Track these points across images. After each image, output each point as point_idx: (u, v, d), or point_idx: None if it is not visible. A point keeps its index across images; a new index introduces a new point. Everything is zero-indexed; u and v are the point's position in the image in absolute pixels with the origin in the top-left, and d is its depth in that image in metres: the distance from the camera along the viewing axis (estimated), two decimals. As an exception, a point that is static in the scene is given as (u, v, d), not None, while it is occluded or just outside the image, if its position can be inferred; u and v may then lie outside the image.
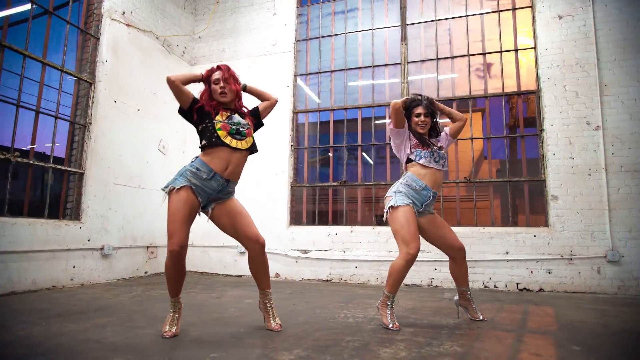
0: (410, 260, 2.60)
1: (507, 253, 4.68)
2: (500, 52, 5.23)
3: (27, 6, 4.37)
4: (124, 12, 5.25)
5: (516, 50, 5.18)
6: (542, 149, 4.83)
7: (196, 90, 2.61)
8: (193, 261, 5.79)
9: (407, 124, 2.88)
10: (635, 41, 4.56)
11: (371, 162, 5.81)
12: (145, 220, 5.45)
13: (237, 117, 2.54)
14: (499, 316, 3.11)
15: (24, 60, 4.19)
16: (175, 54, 6.20)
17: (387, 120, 5.90)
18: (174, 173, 2.54)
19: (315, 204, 5.88)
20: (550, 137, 4.75)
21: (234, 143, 2.45)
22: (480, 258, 4.74)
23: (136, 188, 5.34)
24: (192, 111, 2.50)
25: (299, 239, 5.53)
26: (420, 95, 2.90)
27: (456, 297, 2.96)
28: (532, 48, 5.06)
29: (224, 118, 2.48)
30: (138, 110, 5.43)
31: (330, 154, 6.31)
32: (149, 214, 5.51)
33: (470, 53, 5.36)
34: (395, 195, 2.74)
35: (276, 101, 2.80)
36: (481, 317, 2.87)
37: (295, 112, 6.02)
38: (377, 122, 5.79)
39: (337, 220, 5.96)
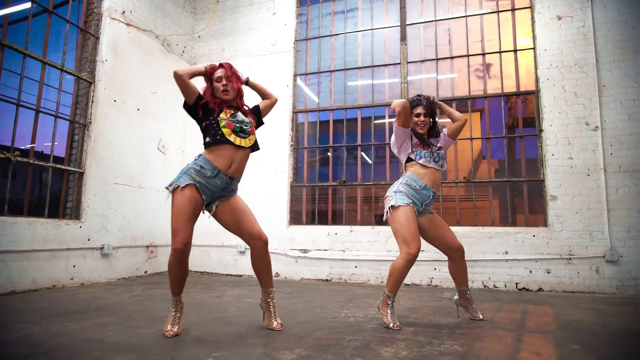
0: (410, 260, 2.62)
1: (506, 253, 4.70)
2: (500, 52, 5.24)
3: (27, 5, 4.36)
4: (123, 12, 5.25)
5: (515, 51, 5.19)
6: (541, 149, 4.85)
7: (198, 87, 2.60)
8: (193, 261, 5.78)
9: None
10: (634, 42, 4.58)
11: (370, 161, 5.82)
12: (145, 220, 5.45)
13: (240, 115, 2.55)
14: (499, 316, 3.12)
15: (24, 59, 4.18)
16: (174, 53, 6.20)
17: (387, 120, 5.93)
18: (173, 172, 2.55)
19: (315, 204, 5.88)
20: (549, 137, 4.77)
21: (237, 141, 2.46)
22: (479, 258, 4.75)
23: (136, 187, 5.34)
24: (197, 107, 2.50)
25: (298, 239, 5.54)
26: (421, 95, 2.92)
27: (456, 297, 2.97)
28: (531, 49, 5.08)
29: (228, 116, 2.49)
30: (138, 109, 5.43)
31: (330, 154, 6.31)
32: (149, 214, 5.51)
33: (470, 53, 5.37)
34: (396, 195, 2.75)
35: (276, 100, 2.82)
36: (481, 317, 2.88)
37: (295, 112, 6.02)
38: (376, 121, 5.80)
39: (336, 220, 5.97)
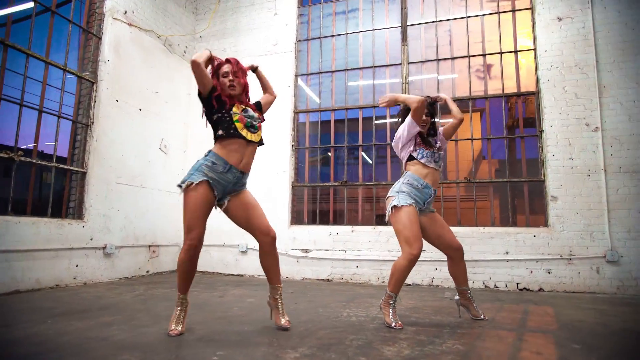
0: (412, 260, 2.64)
1: (507, 253, 4.72)
2: (500, 53, 5.26)
3: (30, 4, 4.38)
4: (125, 12, 5.27)
5: (516, 52, 5.21)
6: (542, 150, 4.87)
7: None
8: (194, 260, 5.80)
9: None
10: (634, 43, 4.60)
11: (371, 162, 5.84)
12: (147, 220, 5.47)
13: (250, 111, 2.59)
14: (500, 315, 3.14)
15: (27, 59, 4.20)
16: (176, 53, 6.22)
17: (388, 120, 5.94)
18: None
19: (316, 204, 5.90)
20: (550, 138, 4.79)
21: (249, 136, 2.50)
22: (480, 258, 4.77)
23: (138, 187, 5.36)
24: (211, 99, 2.51)
25: (300, 239, 5.56)
26: (428, 96, 2.98)
27: (457, 297, 2.99)
28: (531, 49, 5.10)
29: (240, 110, 2.52)
30: (140, 109, 5.45)
31: (331, 154, 6.33)
32: (151, 213, 5.53)
33: (471, 54, 5.39)
34: (398, 195, 2.77)
35: (275, 97, 2.96)
36: (482, 316, 2.90)
37: (296, 112, 6.04)
38: (377, 122, 5.82)
39: (338, 220, 5.99)
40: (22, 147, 4.21)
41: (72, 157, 4.77)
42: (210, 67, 2.57)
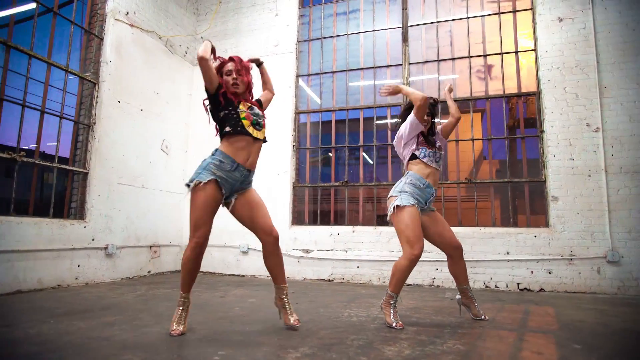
0: (414, 261, 2.65)
1: (507, 253, 4.73)
2: (501, 54, 5.27)
3: (32, 5, 4.40)
4: (127, 13, 5.29)
5: (517, 52, 5.22)
6: (543, 150, 4.87)
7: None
8: (195, 260, 5.82)
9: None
10: (634, 44, 4.60)
11: (372, 162, 5.85)
12: (148, 220, 5.48)
13: (255, 108, 2.62)
14: (500, 315, 3.15)
15: (29, 60, 4.22)
16: (177, 54, 6.24)
17: (389, 121, 5.95)
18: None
19: (317, 204, 5.91)
20: (551, 138, 4.80)
21: (255, 133, 2.52)
22: (481, 258, 4.78)
23: (139, 188, 5.38)
24: (218, 95, 2.52)
25: (301, 239, 5.57)
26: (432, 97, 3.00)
27: (458, 296, 3.00)
28: (532, 50, 5.11)
29: (246, 108, 2.54)
30: (141, 110, 5.46)
31: (332, 154, 6.35)
32: (152, 214, 5.55)
33: (471, 55, 5.40)
34: (401, 195, 2.77)
35: (274, 95, 3.02)
36: (483, 316, 2.91)
37: (297, 113, 6.05)
38: (378, 122, 5.83)
39: (338, 220, 6.00)
40: (24, 147, 4.23)
41: (74, 158, 4.78)
42: (213, 56, 2.56)
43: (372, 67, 5.87)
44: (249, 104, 2.59)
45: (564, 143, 4.74)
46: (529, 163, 5.18)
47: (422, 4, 5.76)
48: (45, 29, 4.63)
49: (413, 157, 2.90)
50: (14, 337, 2.28)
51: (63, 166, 4.52)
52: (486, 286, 4.74)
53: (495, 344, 2.30)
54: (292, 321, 2.53)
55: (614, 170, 4.51)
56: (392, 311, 2.70)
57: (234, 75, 2.54)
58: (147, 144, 5.55)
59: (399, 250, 4.97)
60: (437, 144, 2.98)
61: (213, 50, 2.54)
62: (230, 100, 2.52)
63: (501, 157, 7.07)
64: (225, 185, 2.45)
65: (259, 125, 2.56)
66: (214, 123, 2.62)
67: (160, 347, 2.13)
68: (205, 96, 2.60)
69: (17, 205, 4.01)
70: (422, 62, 5.67)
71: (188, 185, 2.43)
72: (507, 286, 4.68)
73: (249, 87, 2.65)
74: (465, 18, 5.49)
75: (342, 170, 5.92)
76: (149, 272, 5.47)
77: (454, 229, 4.57)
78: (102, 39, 4.99)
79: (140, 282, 4.76)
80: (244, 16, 6.48)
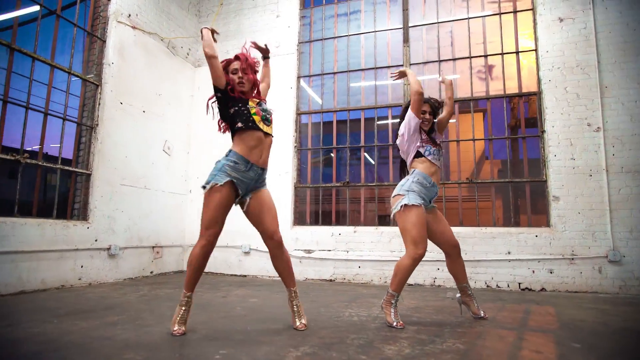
0: (417, 260, 2.67)
1: (509, 253, 4.73)
2: (502, 54, 5.28)
3: (35, 8, 4.43)
4: (129, 15, 5.32)
5: (517, 53, 5.22)
6: (544, 150, 4.88)
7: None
8: (197, 261, 5.84)
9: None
10: (635, 44, 4.60)
11: (374, 162, 5.86)
12: (150, 221, 5.51)
13: (263, 104, 2.66)
14: (501, 315, 3.16)
15: (32, 62, 4.25)
16: (179, 55, 6.27)
17: (390, 121, 5.96)
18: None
19: (319, 205, 5.93)
20: (552, 138, 4.80)
21: (265, 128, 2.56)
22: (482, 258, 4.79)
23: (142, 189, 5.41)
24: (227, 92, 2.56)
25: (302, 239, 5.59)
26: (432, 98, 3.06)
27: (458, 295, 3.01)
28: (533, 50, 5.11)
29: (255, 104, 2.58)
30: (143, 111, 5.49)
31: (333, 155, 6.36)
32: (155, 215, 5.58)
33: (472, 55, 5.41)
34: (409, 194, 2.77)
35: (269, 88, 3.00)
36: (482, 314, 2.92)
37: (299, 114, 6.07)
38: (379, 122, 5.85)
39: (340, 221, 6.02)
40: (28, 149, 4.27)
41: (77, 159, 4.82)
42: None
43: (373, 68, 5.88)
44: (257, 100, 2.63)
45: (565, 143, 4.74)
46: (530, 163, 5.19)
47: (423, 4, 5.77)
48: (48, 31, 4.67)
49: (418, 155, 2.92)
50: (16, 336, 2.31)
51: (66, 167, 4.56)
52: (487, 286, 4.74)
53: (494, 343, 2.31)
54: (297, 324, 2.56)
55: (615, 170, 4.51)
56: (392, 310, 2.71)
57: (240, 74, 2.58)
58: (149, 145, 5.58)
59: (401, 250, 4.99)
60: (438, 141, 3.03)
61: (213, 32, 2.60)
62: (240, 97, 2.56)
63: (502, 157, 7.07)
64: (241, 186, 2.49)
65: (267, 120, 2.60)
66: (217, 120, 2.67)
67: (161, 346, 2.15)
68: (211, 94, 2.64)
69: (20, 207, 4.05)
70: (423, 63, 5.68)
71: (204, 187, 2.46)
72: (508, 286, 4.68)
73: (254, 84, 2.69)
74: (466, 18, 5.50)
75: (344, 170, 5.93)
76: (151, 272, 5.50)
77: (456, 229, 4.59)
78: (104, 41, 5.02)
79: (143, 283, 4.79)
80: (245, 17, 6.51)
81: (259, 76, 2.81)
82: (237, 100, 2.55)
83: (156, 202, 5.63)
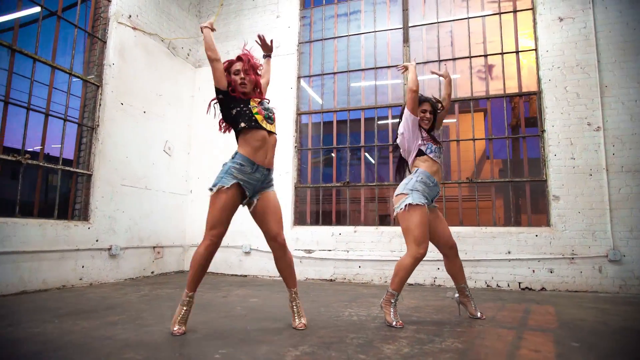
0: (418, 259, 2.68)
1: (509, 252, 4.73)
2: (502, 54, 5.28)
3: (36, 9, 4.45)
4: (130, 16, 5.34)
5: (517, 52, 5.23)
6: (544, 150, 4.88)
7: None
8: (198, 261, 5.86)
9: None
10: (635, 43, 4.60)
11: (374, 162, 5.87)
12: (151, 221, 5.53)
13: (265, 103, 2.68)
14: (501, 314, 3.16)
15: (33, 63, 4.27)
16: (180, 56, 6.28)
17: (390, 121, 5.97)
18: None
19: (319, 205, 5.94)
20: (552, 137, 4.80)
21: (268, 127, 2.58)
22: (482, 257, 4.79)
23: (142, 189, 5.42)
24: (228, 93, 2.57)
25: (303, 239, 5.60)
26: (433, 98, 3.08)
27: (457, 295, 3.02)
28: (533, 50, 5.11)
29: (257, 104, 2.60)
30: (144, 112, 5.51)
31: (334, 155, 6.37)
32: (155, 215, 5.59)
33: (472, 55, 5.41)
34: (412, 194, 2.77)
35: (268, 84, 3.02)
36: (479, 315, 2.92)
37: (299, 114, 6.08)
38: (379, 122, 5.85)
39: (340, 221, 6.02)
40: (29, 149, 4.29)
41: (78, 160, 4.83)
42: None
43: (373, 68, 5.89)
44: (259, 100, 2.65)
45: (565, 142, 4.74)
46: (530, 162, 5.19)
47: (423, 4, 5.77)
48: (49, 32, 4.68)
49: (419, 153, 2.92)
50: (17, 336, 2.32)
51: (67, 168, 4.57)
52: (488, 285, 4.75)
53: (493, 342, 2.32)
54: (297, 324, 2.58)
55: (615, 169, 4.51)
56: (392, 310, 2.72)
57: (242, 75, 2.59)
58: (149, 145, 5.60)
59: (401, 250, 4.99)
60: (439, 140, 3.05)
61: (212, 28, 2.63)
62: (242, 97, 2.58)
63: (503, 157, 7.07)
64: (248, 187, 2.51)
65: (270, 119, 2.61)
66: (218, 120, 2.69)
67: (162, 346, 2.16)
68: (213, 96, 2.66)
69: (22, 207, 4.07)
70: (423, 63, 5.68)
71: (211, 190, 2.48)
72: (508, 285, 4.68)
73: (256, 85, 2.70)
74: (466, 18, 5.50)
75: (344, 170, 5.94)
76: (152, 272, 5.51)
77: (456, 229, 4.59)
78: (105, 42, 5.04)
79: (144, 283, 4.80)
80: (245, 18, 6.52)
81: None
82: (238, 101, 2.56)
83: (157, 203, 5.64)
